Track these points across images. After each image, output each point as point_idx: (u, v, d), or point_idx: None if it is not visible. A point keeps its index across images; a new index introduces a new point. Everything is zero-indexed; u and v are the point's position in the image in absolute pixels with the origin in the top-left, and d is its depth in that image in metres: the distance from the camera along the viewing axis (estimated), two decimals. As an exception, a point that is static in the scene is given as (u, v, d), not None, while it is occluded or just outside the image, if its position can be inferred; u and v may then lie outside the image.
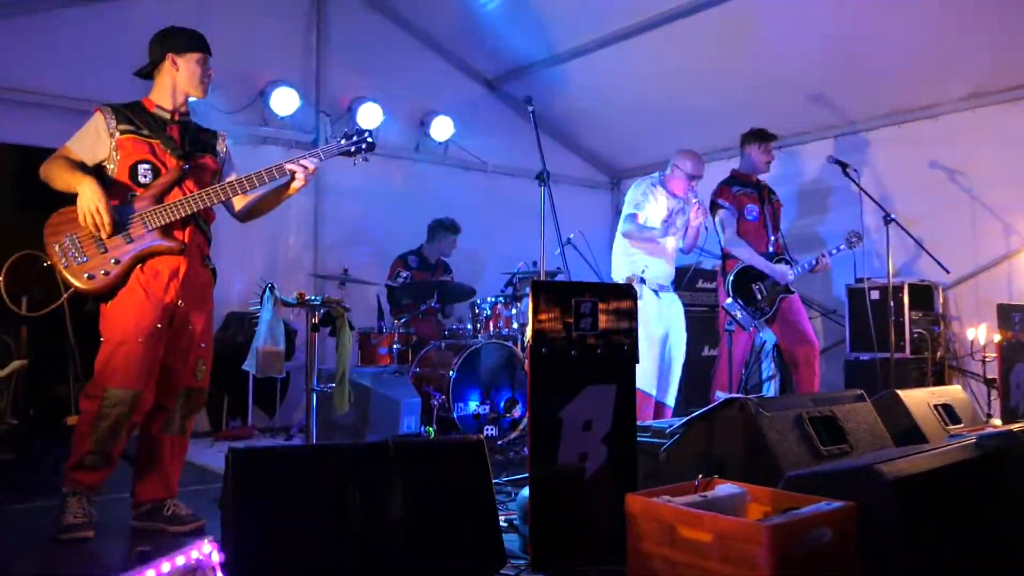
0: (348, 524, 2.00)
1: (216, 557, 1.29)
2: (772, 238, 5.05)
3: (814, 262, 4.89)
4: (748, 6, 5.48)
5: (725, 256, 5.02)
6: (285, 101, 6.14)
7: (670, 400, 4.87)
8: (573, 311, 2.49)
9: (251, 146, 6.04)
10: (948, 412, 3.64)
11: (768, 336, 5.23)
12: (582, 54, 6.56)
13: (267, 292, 4.02)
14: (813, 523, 2.02)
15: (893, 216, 4.82)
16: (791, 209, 6.45)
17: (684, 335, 4.90)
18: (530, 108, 4.20)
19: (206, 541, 1.28)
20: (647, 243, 4.77)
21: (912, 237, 4.94)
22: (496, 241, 7.41)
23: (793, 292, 4.96)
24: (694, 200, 4.85)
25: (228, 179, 3.11)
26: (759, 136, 5.08)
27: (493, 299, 5.44)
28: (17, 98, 5.11)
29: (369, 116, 6.56)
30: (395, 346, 5.47)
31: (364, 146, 3.20)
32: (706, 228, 4.94)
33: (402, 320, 5.56)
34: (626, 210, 4.79)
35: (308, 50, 6.58)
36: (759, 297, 4.89)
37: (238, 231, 5.89)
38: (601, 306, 2.53)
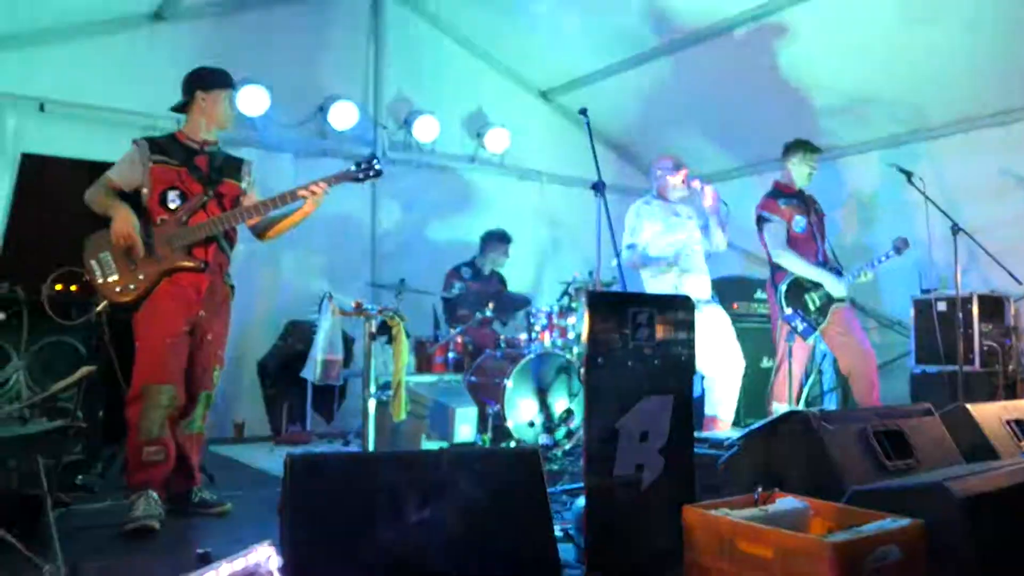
0: (403, 532, 2.00)
1: (275, 562, 1.31)
2: (821, 248, 4.97)
3: (863, 271, 4.81)
4: (795, 19, 5.42)
5: (774, 268, 4.95)
6: (344, 115, 6.25)
7: (725, 414, 4.81)
8: (630, 322, 2.47)
9: (311, 159, 6.15)
10: (1021, 427, 3.50)
11: (826, 347, 5.14)
12: (635, 65, 6.55)
13: (325, 301, 4.10)
14: (879, 541, 1.96)
15: (961, 226, 4.68)
16: (842, 222, 6.32)
17: (735, 345, 4.86)
18: (585, 119, 4.19)
19: (266, 545, 1.30)
20: (644, 269, 4.82)
21: (981, 247, 4.78)
22: (551, 251, 7.42)
23: (845, 302, 4.86)
24: (699, 186, 4.84)
25: (248, 201, 3.46)
26: (802, 147, 5.01)
27: (549, 308, 5.43)
28: (90, 115, 5.31)
29: (426, 128, 6.63)
30: (451, 355, 5.49)
31: (372, 173, 3.50)
32: (725, 204, 4.91)
33: (458, 329, 5.58)
34: (624, 240, 4.76)
35: (366, 65, 6.69)
36: (812, 308, 4.80)
37: (297, 243, 6.05)
38: (659, 317, 2.51)
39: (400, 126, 6.75)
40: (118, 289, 3.20)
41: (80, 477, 3.60)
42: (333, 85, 6.38)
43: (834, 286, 4.77)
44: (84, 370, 2.48)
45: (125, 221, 3.16)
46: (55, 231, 4.69)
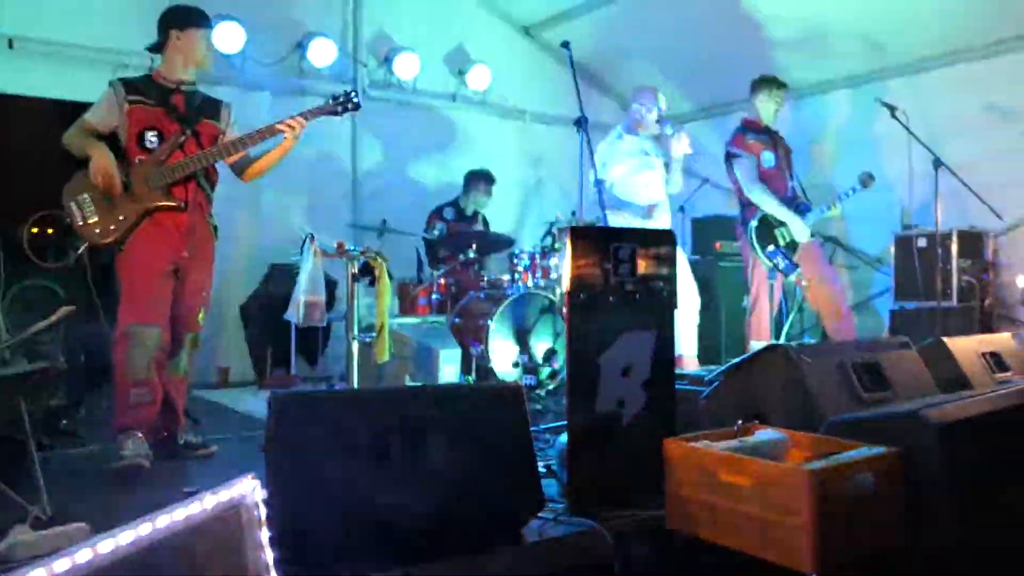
0: (389, 467, 2.02)
1: (259, 494, 1.31)
2: (790, 184, 5.01)
3: (830, 206, 4.86)
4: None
5: (743, 204, 4.98)
6: (323, 52, 6.12)
7: (688, 350, 4.93)
8: (611, 257, 2.46)
9: (290, 97, 6.03)
10: (996, 360, 3.55)
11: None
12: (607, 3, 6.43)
13: (307, 243, 4.05)
14: (855, 468, 2.00)
15: (943, 160, 4.68)
16: (821, 158, 6.31)
17: (692, 282, 5.06)
18: (568, 52, 4.13)
19: (250, 477, 1.30)
20: (642, 193, 4.91)
21: (963, 182, 4.79)
22: (534, 190, 7.39)
23: (812, 237, 4.92)
24: (671, 131, 4.91)
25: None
26: (769, 84, 5.02)
27: (532, 249, 5.42)
28: (61, 52, 5.17)
29: (406, 66, 6.52)
30: (434, 296, 5.49)
31: (350, 106, 3.49)
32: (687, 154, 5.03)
33: (441, 271, 5.57)
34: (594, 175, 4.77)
35: (345, 1, 6.52)
36: (782, 243, 4.84)
37: (276, 184, 5.97)
38: (640, 251, 2.51)
39: (380, 63, 6.63)
40: (98, 231, 3.17)
41: (63, 422, 3.60)
42: (311, 21, 6.23)
43: (799, 230, 4.83)
44: (64, 310, 2.46)
45: (103, 160, 3.14)
46: (28, 171, 4.61)
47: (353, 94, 3.50)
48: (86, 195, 3.18)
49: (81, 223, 3.17)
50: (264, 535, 1.33)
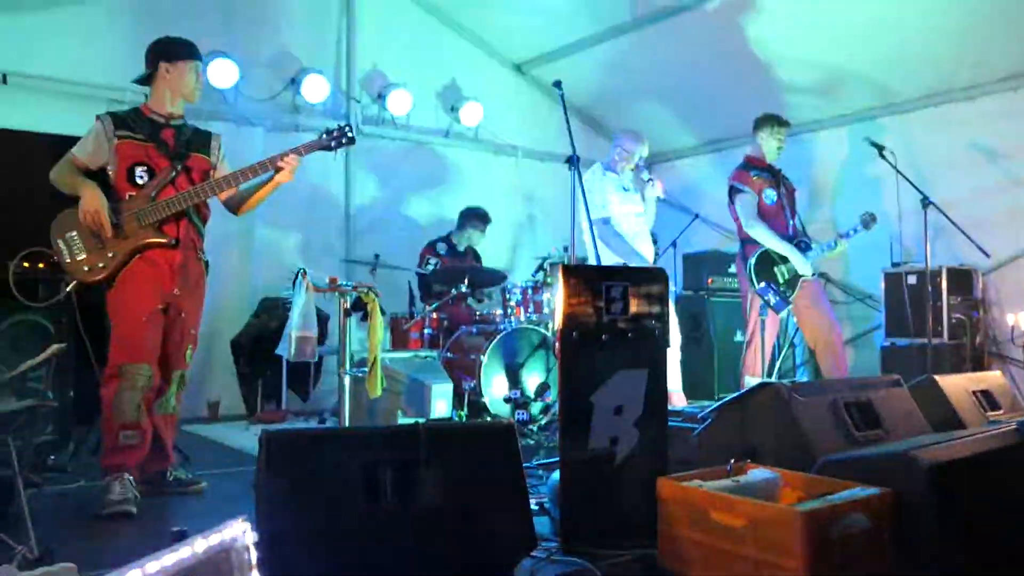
0: (379, 506, 2.01)
1: (250, 536, 1.30)
2: (791, 222, 5.04)
3: (832, 245, 4.89)
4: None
5: (744, 241, 5.01)
6: (316, 88, 6.16)
7: (672, 384, 4.95)
8: (604, 295, 2.48)
9: (283, 133, 6.07)
10: (987, 398, 3.57)
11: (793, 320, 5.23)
12: (608, 39, 6.52)
13: (299, 278, 4.05)
14: (848, 509, 2.00)
15: (932, 199, 4.73)
16: (813, 196, 6.37)
17: (674, 317, 5.05)
18: (559, 91, 4.18)
19: (240, 520, 1.29)
20: (627, 228, 5.01)
21: (951, 220, 4.84)
22: (526, 226, 7.42)
23: (814, 275, 4.94)
24: (648, 177, 5.05)
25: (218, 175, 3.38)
26: (771, 121, 5.08)
27: (524, 284, 5.43)
28: (55, 88, 5.20)
29: (399, 102, 6.57)
30: (426, 331, 5.49)
31: (344, 140, 3.44)
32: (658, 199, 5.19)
33: (433, 305, 5.57)
34: (596, 213, 4.81)
35: (339, 37, 6.59)
36: (781, 280, 4.86)
37: (270, 219, 6.00)
38: (632, 290, 2.52)
39: (373, 100, 6.68)
40: (86, 268, 3.13)
41: (52, 458, 3.57)
42: (305, 57, 6.28)
43: (801, 264, 4.85)
44: (54, 348, 2.45)
45: (93, 199, 3.09)
46: (20, 206, 4.60)
47: (347, 128, 3.46)
48: (74, 233, 3.14)
49: (69, 260, 3.13)
50: (255, 578, 1.32)
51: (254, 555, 1.32)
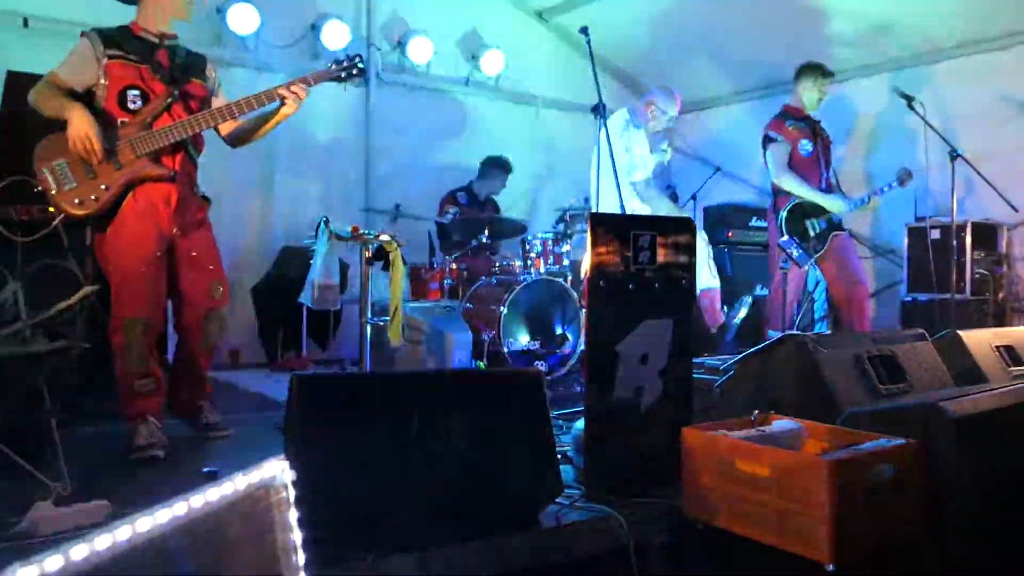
0: (408, 450, 2.03)
1: (288, 475, 1.32)
2: (825, 174, 4.96)
3: (865, 200, 4.81)
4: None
5: (775, 192, 4.94)
6: (336, 35, 6.09)
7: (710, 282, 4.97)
8: (632, 244, 2.46)
9: (303, 80, 6.01)
10: (1010, 353, 3.54)
11: (820, 275, 5.18)
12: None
13: (322, 226, 4.06)
14: (875, 459, 2.01)
15: (960, 152, 4.66)
16: (844, 146, 6.26)
17: (711, 264, 5.13)
18: (586, 37, 4.11)
19: (279, 458, 1.31)
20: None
21: (980, 173, 4.77)
22: (546, 177, 7.37)
23: (845, 230, 4.88)
24: (665, 147, 5.07)
25: (216, 104, 3.13)
26: (815, 70, 4.94)
27: (544, 235, 5.42)
28: (76, 32, 5.14)
29: (420, 50, 6.50)
30: (446, 281, 5.50)
31: (355, 71, 3.19)
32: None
33: (453, 256, 5.57)
34: (633, 176, 4.77)
35: (359, -18, 6.51)
36: (812, 234, 4.81)
37: (290, 167, 5.98)
38: (660, 240, 2.50)
39: (393, 47, 6.61)
40: (77, 200, 2.88)
41: (80, 399, 3.61)
42: (325, 3, 6.21)
43: (834, 205, 4.76)
44: (86, 290, 2.47)
45: (83, 122, 2.82)
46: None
47: (358, 58, 3.20)
48: (62, 160, 2.87)
49: (55, 191, 2.87)
50: (293, 516, 1.34)
51: (292, 492, 1.34)
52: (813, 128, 4.97)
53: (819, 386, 2.72)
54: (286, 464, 1.33)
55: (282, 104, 3.10)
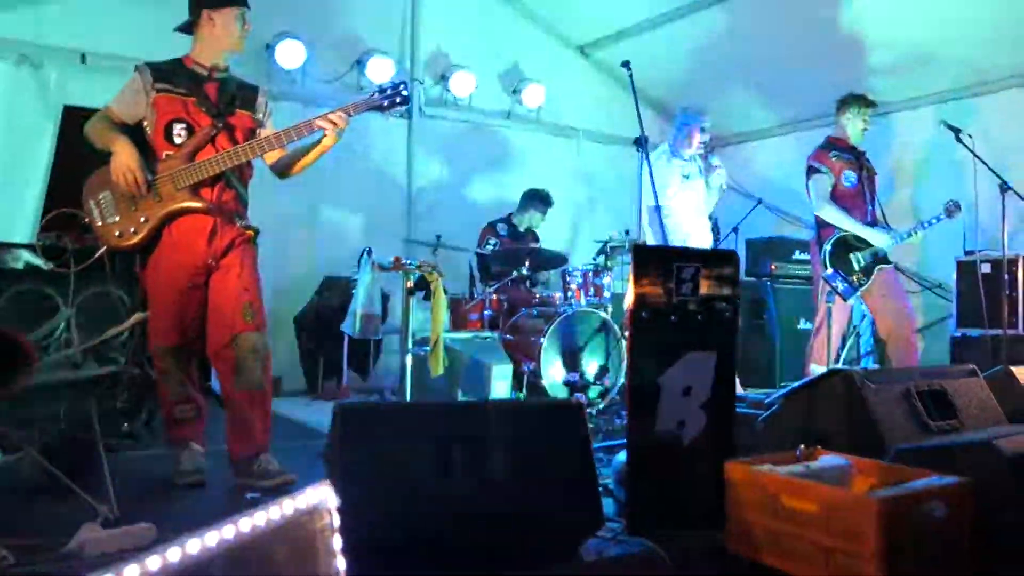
0: (450, 481, 2.03)
1: (333, 501, 1.33)
2: (869, 207, 4.88)
3: (912, 233, 4.72)
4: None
5: (819, 225, 4.87)
6: (381, 70, 6.21)
7: None
8: (675, 276, 2.45)
9: (347, 114, 6.13)
10: (1065, 391, 3.44)
11: (866, 309, 5.09)
12: (680, 17, 6.42)
13: (365, 256, 4.12)
14: (925, 497, 1.95)
15: (1010, 184, 4.57)
16: (891, 179, 6.18)
17: None
18: (628, 71, 4.13)
19: (324, 484, 1.32)
20: (683, 217, 4.95)
21: (1030, 205, 4.67)
22: (587, 209, 7.39)
23: (891, 263, 4.79)
24: (715, 164, 5.00)
25: (263, 135, 3.11)
26: (857, 101, 4.90)
27: (584, 267, 5.41)
28: (116, 64, 5.31)
29: (462, 84, 6.60)
30: (486, 312, 5.51)
31: (398, 100, 3.11)
32: (723, 188, 5.10)
33: (493, 286, 5.59)
34: (649, 200, 4.78)
35: (403, 18, 6.64)
36: (857, 268, 4.72)
37: (334, 199, 6.08)
38: (703, 272, 2.49)
39: (436, 81, 6.71)
40: (117, 233, 2.92)
41: (125, 425, 3.68)
42: (370, 39, 6.35)
43: (879, 239, 4.69)
44: (137, 316, 2.53)
45: (127, 156, 2.88)
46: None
47: (402, 86, 3.13)
48: (108, 193, 2.94)
49: (100, 223, 2.94)
50: (337, 542, 1.34)
51: (337, 519, 1.35)
52: (858, 159, 4.91)
53: (867, 421, 2.66)
54: (331, 490, 1.34)
55: (324, 134, 3.09)
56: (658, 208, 4.53)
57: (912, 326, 4.77)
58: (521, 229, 6.29)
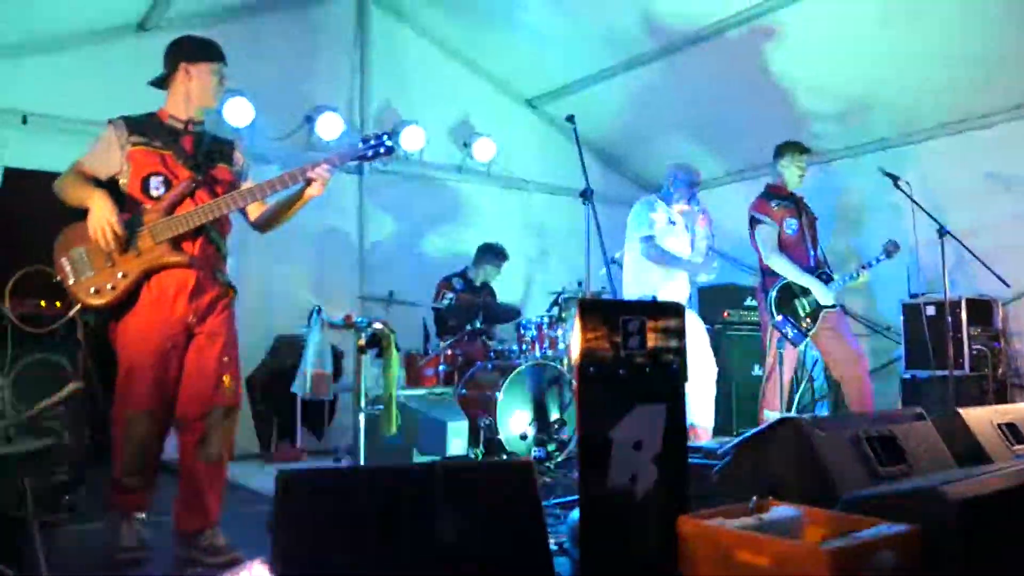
0: (397, 547, 1.98)
1: (266, 580, 1.28)
2: (812, 252, 4.98)
3: (855, 275, 4.82)
4: (788, 22, 5.43)
5: (764, 272, 4.96)
6: (330, 126, 6.22)
7: (703, 421, 4.90)
8: (621, 329, 2.45)
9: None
10: (1013, 431, 3.49)
11: (817, 353, 5.16)
12: (624, 71, 6.55)
13: (315, 315, 4.07)
14: (875, 546, 1.95)
15: (948, 229, 4.70)
16: (832, 225, 6.32)
17: (709, 352, 5.12)
18: (572, 125, 4.20)
19: (258, 562, 1.27)
20: (661, 265, 4.92)
21: (969, 250, 4.80)
22: (539, 261, 7.42)
23: (835, 306, 4.87)
24: (698, 209, 5.03)
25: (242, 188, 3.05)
26: (792, 148, 5.03)
27: (538, 319, 5.42)
28: (75, 128, 5.26)
29: (412, 139, 6.62)
30: (441, 367, 5.47)
31: (382, 150, 3.09)
32: (711, 237, 5.21)
33: (448, 341, 5.55)
34: (641, 232, 4.90)
35: (352, 74, 6.69)
36: (802, 313, 4.80)
37: (284, 255, 6.01)
38: (649, 324, 2.49)
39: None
40: (93, 290, 2.82)
41: (66, 497, 3.55)
42: (319, 95, 6.36)
43: (823, 294, 4.79)
44: (72, 386, 2.44)
45: (103, 210, 2.79)
46: (39, 246, 4.61)
47: (386, 136, 3.10)
48: (82, 249, 2.84)
49: (73, 281, 2.83)
50: (271, 623, 1.29)
51: (270, 599, 1.30)
52: (797, 206, 5.03)
53: (818, 469, 2.66)
54: (266, 568, 1.29)
55: (307, 185, 3.04)
56: (648, 238, 4.61)
57: (864, 366, 4.85)
58: (477, 283, 6.29)
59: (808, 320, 4.79)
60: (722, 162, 7.35)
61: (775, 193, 5.03)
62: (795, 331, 4.68)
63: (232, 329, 3.09)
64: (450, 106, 7.10)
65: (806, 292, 4.82)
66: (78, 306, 2.85)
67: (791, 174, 5.01)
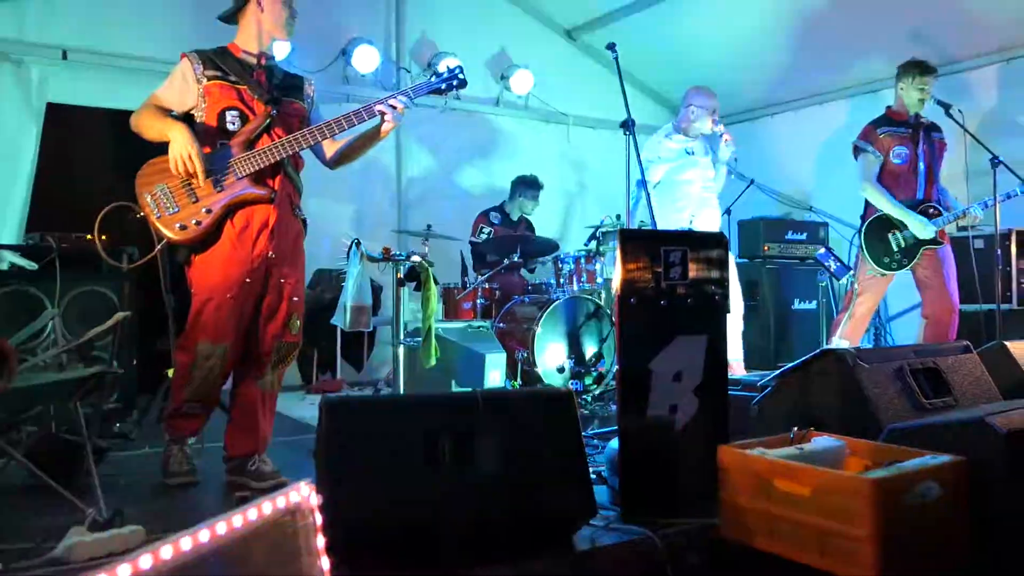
0: (439, 472, 2.01)
1: (315, 499, 1.31)
2: (922, 185, 4.66)
3: (960, 213, 4.58)
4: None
5: (866, 203, 4.73)
6: (366, 59, 6.17)
7: (732, 354, 4.84)
8: (662, 260, 2.42)
9: (333, 104, 6.07)
10: (1061, 365, 3.43)
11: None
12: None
13: (354, 248, 4.07)
14: (919, 477, 1.94)
15: (1001, 159, 4.53)
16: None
17: (737, 287, 5.07)
18: (613, 54, 4.09)
19: (305, 483, 1.29)
20: (687, 193, 4.91)
21: (1021, 179, 4.63)
22: (578, 195, 7.36)
23: (941, 243, 4.62)
24: (721, 129, 4.94)
25: (316, 124, 3.01)
26: (912, 69, 4.67)
27: (576, 253, 5.39)
28: (114, 63, 5.28)
29: (449, 71, 6.53)
30: (479, 301, 5.49)
31: (456, 83, 3.07)
32: (735, 159, 5.07)
33: (485, 275, 5.56)
34: (655, 171, 4.78)
35: (388, 7, 6.58)
36: (895, 248, 4.60)
37: (323, 190, 6.02)
38: (691, 255, 2.46)
39: (423, 69, 6.65)
40: (178, 225, 2.79)
41: (117, 425, 3.66)
42: (354, 28, 6.29)
43: (920, 228, 4.57)
44: (118, 315, 2.49)
45: (185, 142, 2.76)
46: (83, 180, 4.68)
47: (459, 70, 3.07)
48: (163, 185, 2.82)
49: (158, 216, 2.80)
50: (320, 541, 1.32)
51: (319, 517, 1.33)
52: (915, 133, 4.69)
53: (860, 401, 2.64)
54: (311, 489, 1.32)
55: (382, 120, 3.01)
56: (640, 183, 4.47)
57: (953, 310, 4.58)
58: (514, 217, 6.26)
59: (901, 255, 4.58)
60: (767, 93, 7.14)
61: (891, 118, 4.73)
62: (838, 264, 4.56)
63: (303, 267, 3.14)
64: (487, 38, 6.97)
65: (903, 226, 4.63)
66: (163, 241, 2.84)
67: (910, 98, 4.66)
